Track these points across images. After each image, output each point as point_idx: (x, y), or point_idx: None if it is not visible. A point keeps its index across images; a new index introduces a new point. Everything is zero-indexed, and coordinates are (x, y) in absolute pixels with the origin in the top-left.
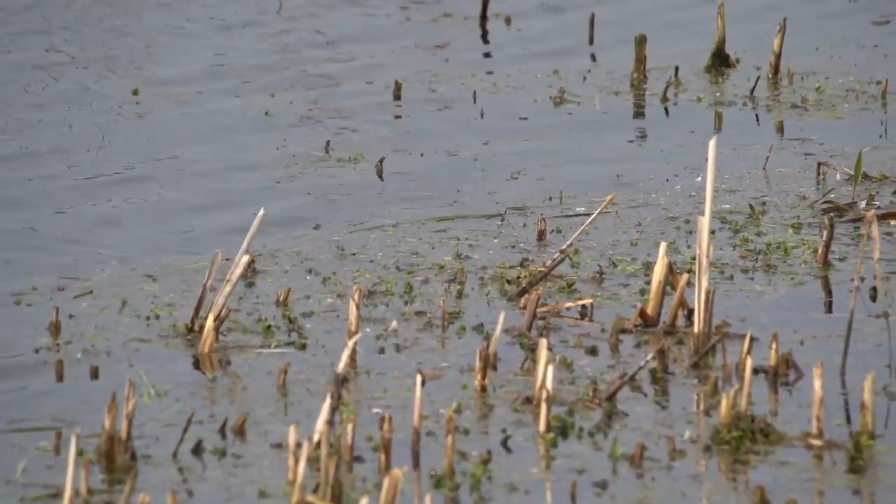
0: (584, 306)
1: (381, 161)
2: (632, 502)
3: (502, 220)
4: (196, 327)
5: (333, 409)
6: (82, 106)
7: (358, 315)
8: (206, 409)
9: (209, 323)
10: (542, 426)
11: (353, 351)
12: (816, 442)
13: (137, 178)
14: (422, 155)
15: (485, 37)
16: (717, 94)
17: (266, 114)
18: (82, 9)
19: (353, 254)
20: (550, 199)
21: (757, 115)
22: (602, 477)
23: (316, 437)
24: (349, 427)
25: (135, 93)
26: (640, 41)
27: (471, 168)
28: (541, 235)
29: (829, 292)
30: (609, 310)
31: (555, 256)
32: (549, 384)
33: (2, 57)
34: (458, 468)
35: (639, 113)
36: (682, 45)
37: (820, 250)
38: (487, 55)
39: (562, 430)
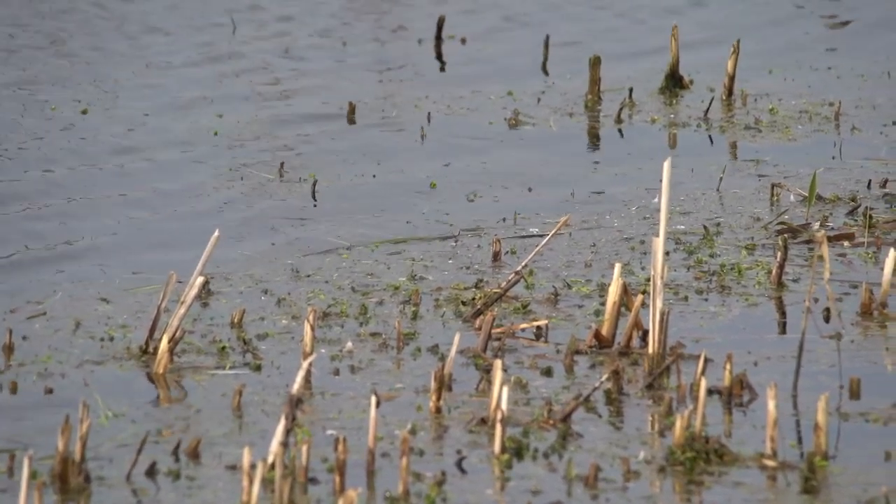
0: (539, 327)
1: (314, 184)
2: None
3: (456, 242)
4: (150, 349)
5: (288, 431)
6: (27, 125)
7: (313, 336)
8: (161, 431)
9: (164, 344)
10: (496, 447)
11: (308, 372)
12: (770, 463)
13: (86, 199)
14: (374, 176)
15: (440, 58)
16: (672, 115)
17: (215, 133)
18: (28, 24)
19: (308, 275)
20: (504, 220)
21: (711, 137)
22: (557, 498)
23: (270, 459)
24: (304, 448)
25: (83, 112)
26: (595, 63)
27: (425, 189)
28: (496, 256)
29: (783, 313)
30: (564, 331)
31: (510, 278)
32: (503, 405)
33: None
34: (412, 489)
35: (593, 134)
36: (637, 66)
37: (774, 271)
38: (442, 77)
39: (517, 451)
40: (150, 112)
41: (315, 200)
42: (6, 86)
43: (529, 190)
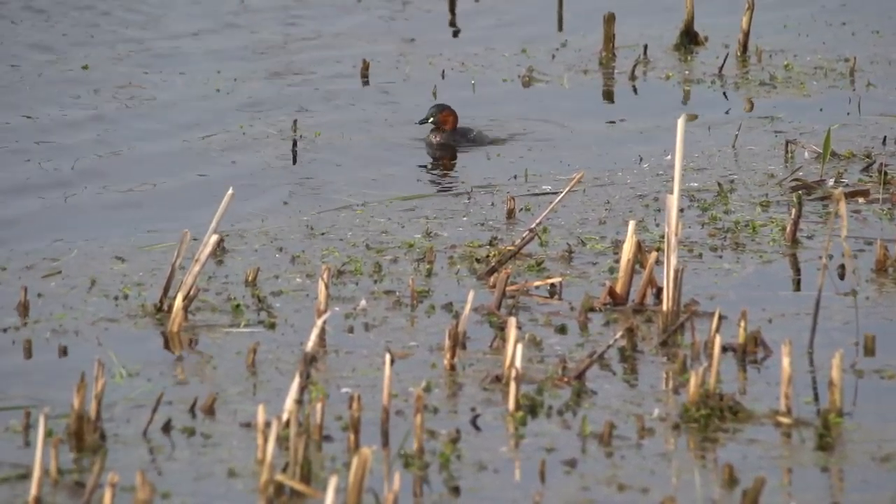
0: (553, 285)
1: (294, 142)
2: (601, 480)
3: (469, 199)
4: (165, 307)
5: (302, 389)
6: (30, 83)
7: (327, 294)
8: (176, 389)
9: (178, 302)
10: (511, 405)
11: (322, 330)
12: (785, 420)
13: (96, 158)
14: (383, 133)
15: (453, 15)
16: (686, 71)
17: (217, 90)
18: None
19: (322, 233)
20: (515, 177)
21: (725, 93)
22: (571, 455)
23: (285, 417)
24: (318, 406)
25: (84, 68)
26: (609, 19)
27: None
28: (510, 214)
29: (797, 270)
30: (578, 288)
31: (524, 235)
32: (518, 363)
33: None
34: (427, 447)
35: (607, 91)
36: (651, 23)
37: (788, 228)
38: (456, 34)
39: (531, 408)
40: (149, 70)
41: (294, 162)
42: (19, 43)
43: (542, 147)
